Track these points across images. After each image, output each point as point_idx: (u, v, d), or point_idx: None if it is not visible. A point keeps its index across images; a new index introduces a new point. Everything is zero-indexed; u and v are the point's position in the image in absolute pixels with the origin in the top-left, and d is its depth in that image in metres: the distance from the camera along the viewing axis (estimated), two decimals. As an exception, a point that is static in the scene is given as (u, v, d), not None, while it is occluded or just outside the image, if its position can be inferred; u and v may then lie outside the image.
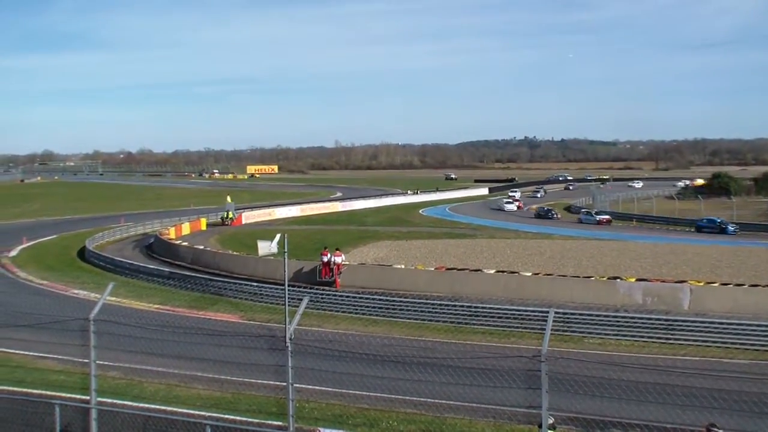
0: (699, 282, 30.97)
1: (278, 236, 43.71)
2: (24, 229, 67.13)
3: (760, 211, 75.22)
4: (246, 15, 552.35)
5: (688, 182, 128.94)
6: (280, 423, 13.93)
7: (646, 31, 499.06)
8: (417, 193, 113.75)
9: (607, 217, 73.86)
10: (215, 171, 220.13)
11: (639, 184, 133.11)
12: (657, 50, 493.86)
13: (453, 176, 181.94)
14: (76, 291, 35.55)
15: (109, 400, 14.70)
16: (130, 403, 15.97)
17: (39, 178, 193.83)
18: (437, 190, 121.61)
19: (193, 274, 38.17)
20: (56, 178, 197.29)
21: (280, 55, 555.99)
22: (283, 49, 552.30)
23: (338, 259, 36.18)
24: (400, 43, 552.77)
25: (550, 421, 10.81)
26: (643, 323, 25.10)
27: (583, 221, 73.88)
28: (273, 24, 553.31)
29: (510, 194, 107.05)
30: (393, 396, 17.02)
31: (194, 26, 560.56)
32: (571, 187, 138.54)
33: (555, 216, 78.52)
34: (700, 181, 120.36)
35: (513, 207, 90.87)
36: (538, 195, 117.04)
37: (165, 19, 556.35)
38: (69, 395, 15.65)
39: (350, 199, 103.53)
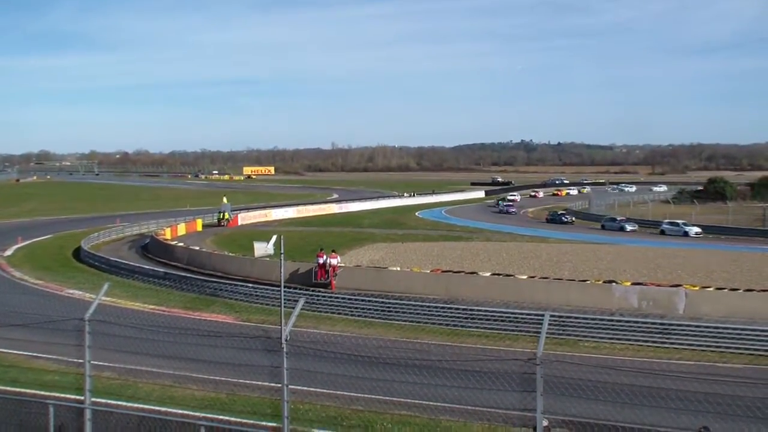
0: (694, 286, 31.01)
1: (274, 237, 43.77)
2: (19, 228, 67.04)
3: (755, 216, 75.33)
4: (244, 17, 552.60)
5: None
6: (274, 424, 13.90)
7: (644, 36, 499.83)
8: (413, 195, 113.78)
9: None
10: (215, 171, 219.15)
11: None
12: (654, 55, 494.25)
13: (500, 179, 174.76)
14: (71, 291, 35.48)
15: (104, 401, 14.65)
16: (124, 403, 15.93)
17: (35, 177, 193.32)
18: (433, 192, 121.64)
19: (189, 275, 38.09)
20: (48, 177, 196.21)
21: (278, 57, 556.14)
22: (280, 52, 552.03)
23: (334, 261, 36.17)
24: (397, 46, 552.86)
25: (545, 423, 10.82)
26: (638, 327, 25.11)
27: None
28: (271, 26, 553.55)
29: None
30: (388, 398, 17.02)
31: (192, 28, 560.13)
32: (540, 194, 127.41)
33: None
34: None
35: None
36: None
37: (163, 20, 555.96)
38: (63, 395, 15.63)
39: (346, 201, 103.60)
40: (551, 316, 11.52)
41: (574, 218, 78.79)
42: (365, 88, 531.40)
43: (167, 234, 56.47)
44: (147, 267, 41.67)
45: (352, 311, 29.97)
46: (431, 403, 16.48)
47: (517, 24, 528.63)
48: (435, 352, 22.97)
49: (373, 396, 17.20)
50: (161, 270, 40.19)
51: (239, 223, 72.95)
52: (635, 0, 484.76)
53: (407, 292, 32.87)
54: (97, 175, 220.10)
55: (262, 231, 61.00)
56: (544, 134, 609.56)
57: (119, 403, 15.72)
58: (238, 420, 15.18)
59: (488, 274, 35.32)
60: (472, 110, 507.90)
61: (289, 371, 11.43)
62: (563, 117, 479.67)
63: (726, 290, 30.50)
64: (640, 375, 18.99)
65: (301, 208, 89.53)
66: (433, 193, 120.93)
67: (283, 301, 20.49)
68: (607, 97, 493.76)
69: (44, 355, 21.48)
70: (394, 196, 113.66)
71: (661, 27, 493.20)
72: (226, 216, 71.54)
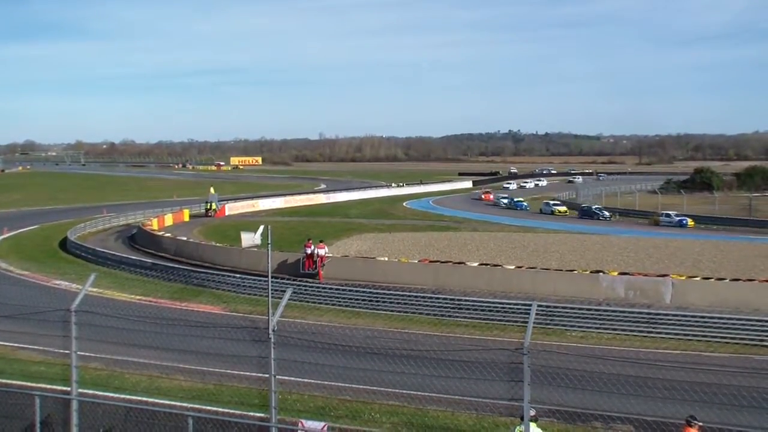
0: (681, 276, 31.15)
1: (262, 228, 43.60)
2: (4, 219, 66.54)
3: (741, 205, 75.80)
4: (232, 6, 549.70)
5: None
6: (262, 414, 13.89)
7: (632, 26, 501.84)
8: (401, 185, 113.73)
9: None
10: (220, 162, 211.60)
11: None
12: (642, 46, 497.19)
13: (514, 170, 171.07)
14: (57, 282, 35.28)
15: (90, 391, 14.58)
16: (111, 394, 15.87)
17: (20, 168, 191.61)
18: (421, 182, 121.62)
19: (176, 266, 37.97)
20: (28, 167, 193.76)
21: (265, 47, 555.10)
22: (267, 41, 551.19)
23: (322, 251, 36.10)
24: (384, 36, 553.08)
25: (532, 413, 10.84)
26: (625, 317, 25.20)
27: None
28: (258, 15, 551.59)
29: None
30: (375, 388, 17.04)
31: (179, 17, 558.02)
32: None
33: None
34: None
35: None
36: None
37: (150, 9, 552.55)
38: (49, 386, 15.53)
39: (334, 191, 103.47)
40: (539, 305, 11.53)
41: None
42: (353, 77, 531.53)
43: (154, 224, 56.22)
44: (134, 257, 41.48)
45: (339, 301, 29.94)
46: (419, 393, 16.52)
47: (504, 14, 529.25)
48: (422, 342, 23.00)
49: (360, 386, 17.22)
50: (148, 260, 40.04)
51: (226, 214, 72.73)
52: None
53: (395, 282, 32.84)
54: (84, 165, 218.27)
55: (249, 221, 60.84)
56: (532, 124, 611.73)
57: (106, 394, 15.65)
58: (226, 410, 15.14)
59: (476, 264, 35.36)
60: (459, 100, 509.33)
61: (276, 361, 11.42)
62: (551, 107, 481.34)
63: (712, 280, 30.67)
64: (627, 364, 19.09)
65: (288, 198, 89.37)
66: (421, 183, 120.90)
67: (270, 292, 20.41)
68: (595, 88, 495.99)
69: (30, 346, 21.38)
70: (381, 187, 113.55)
71: (650, 17, 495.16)
72: (214, 206, 71.32)
